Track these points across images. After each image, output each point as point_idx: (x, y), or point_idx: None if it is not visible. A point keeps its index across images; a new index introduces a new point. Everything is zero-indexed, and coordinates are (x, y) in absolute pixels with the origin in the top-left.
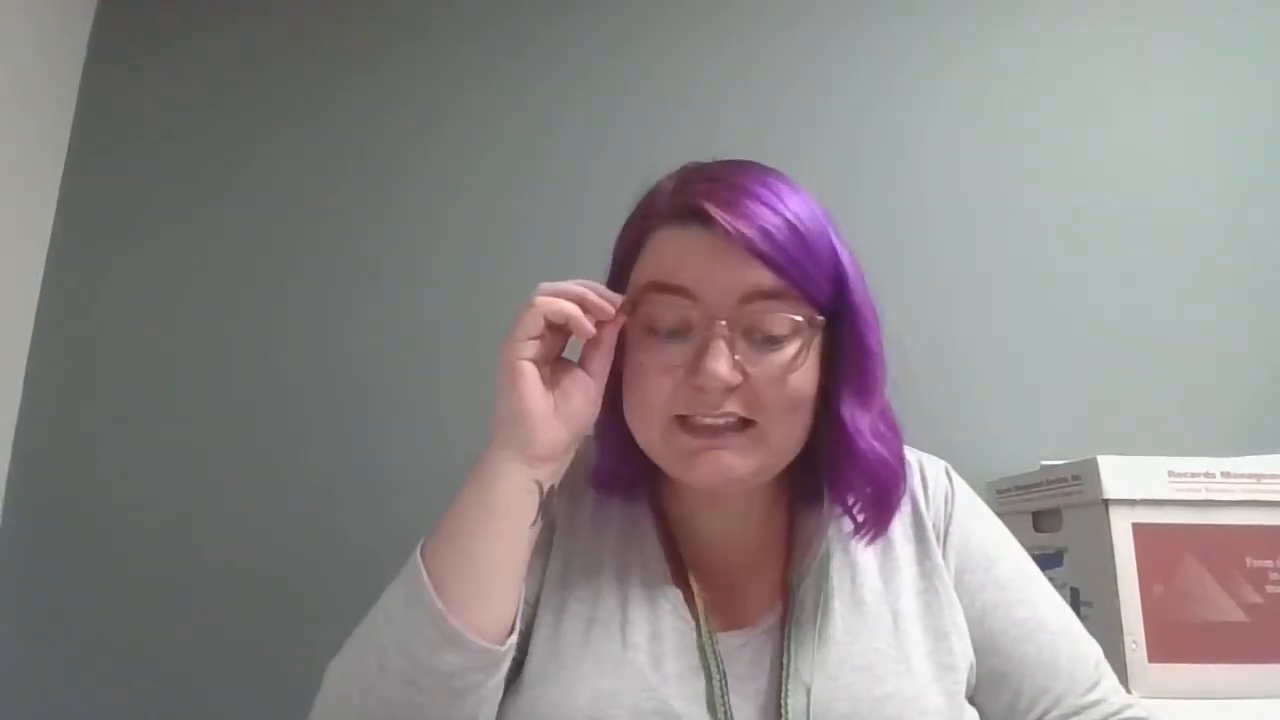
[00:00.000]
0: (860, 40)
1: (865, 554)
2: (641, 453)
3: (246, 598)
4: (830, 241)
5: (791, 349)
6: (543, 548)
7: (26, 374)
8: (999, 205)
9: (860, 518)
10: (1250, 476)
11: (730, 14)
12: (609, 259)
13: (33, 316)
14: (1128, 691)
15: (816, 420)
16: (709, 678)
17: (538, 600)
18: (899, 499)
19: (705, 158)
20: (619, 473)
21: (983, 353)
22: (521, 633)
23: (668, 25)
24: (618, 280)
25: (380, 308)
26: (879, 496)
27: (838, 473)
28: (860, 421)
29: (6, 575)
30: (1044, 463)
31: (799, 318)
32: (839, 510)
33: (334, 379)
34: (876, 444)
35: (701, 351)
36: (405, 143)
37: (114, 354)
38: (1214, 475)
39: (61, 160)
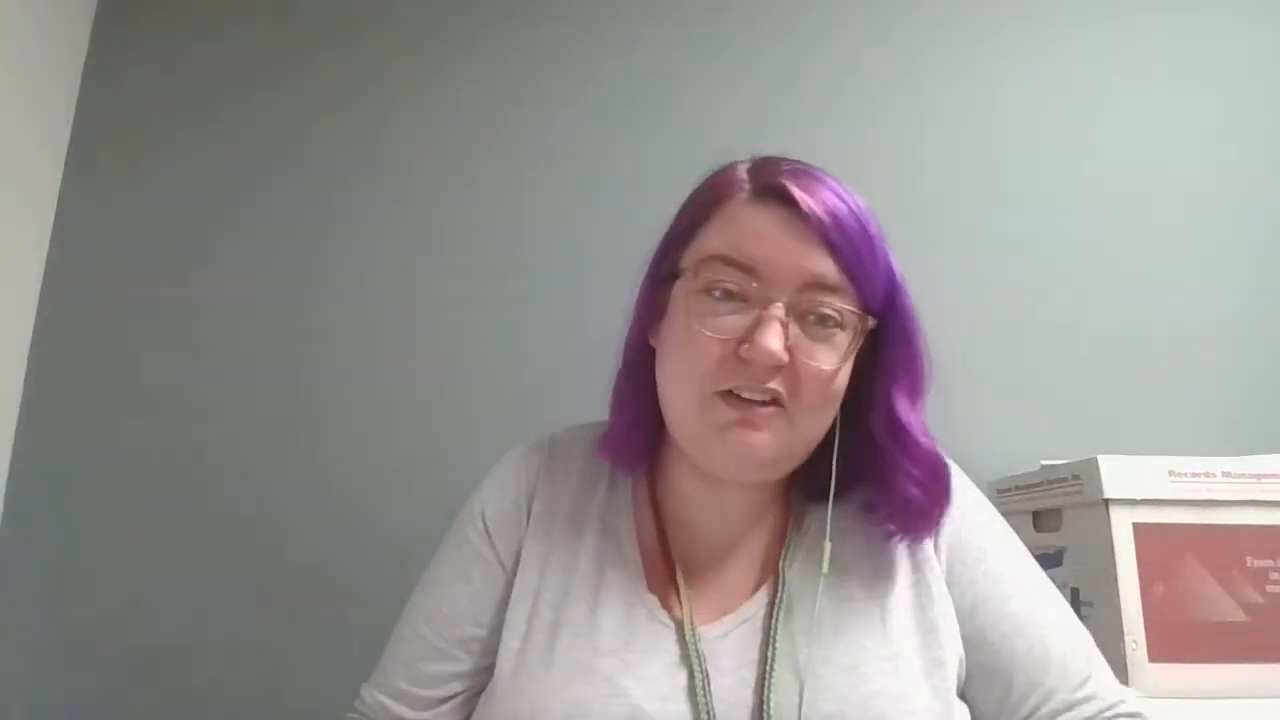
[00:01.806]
0: (858, 39)
1: (855, 547)
2: (652, 428)
3: (248, 597)
4: (886, 247)
5: (839, 343)
6: (494, 567)
7: (26, 374)
8: (999, 205)
9: (902, 517)
10: (1251, 476)
11: (727, 17)
12: (604, 257)
13: (33, 316)
14: None
15: (856, 419)
16: (691, 674)
17: (503, 614)
18: (950, 499)
19: (704, 157)
20: (628, 442)
21: (983, 353)
22: (477, 652)
23: (669, 25)
24: (679, 245)
25: (378, 308)
26: (932, 490)
27: (892, 468)
28: (915, 419)
29: (7, 575)
30: (1044, 463)
31: (854, 312)
32: (877, 513)
33: (336, 378)
34: (928, 441)
35: (756, 326)
36: (408, 139)
37: (114, 354)
38: (1214, 475)
39: (62, 159)
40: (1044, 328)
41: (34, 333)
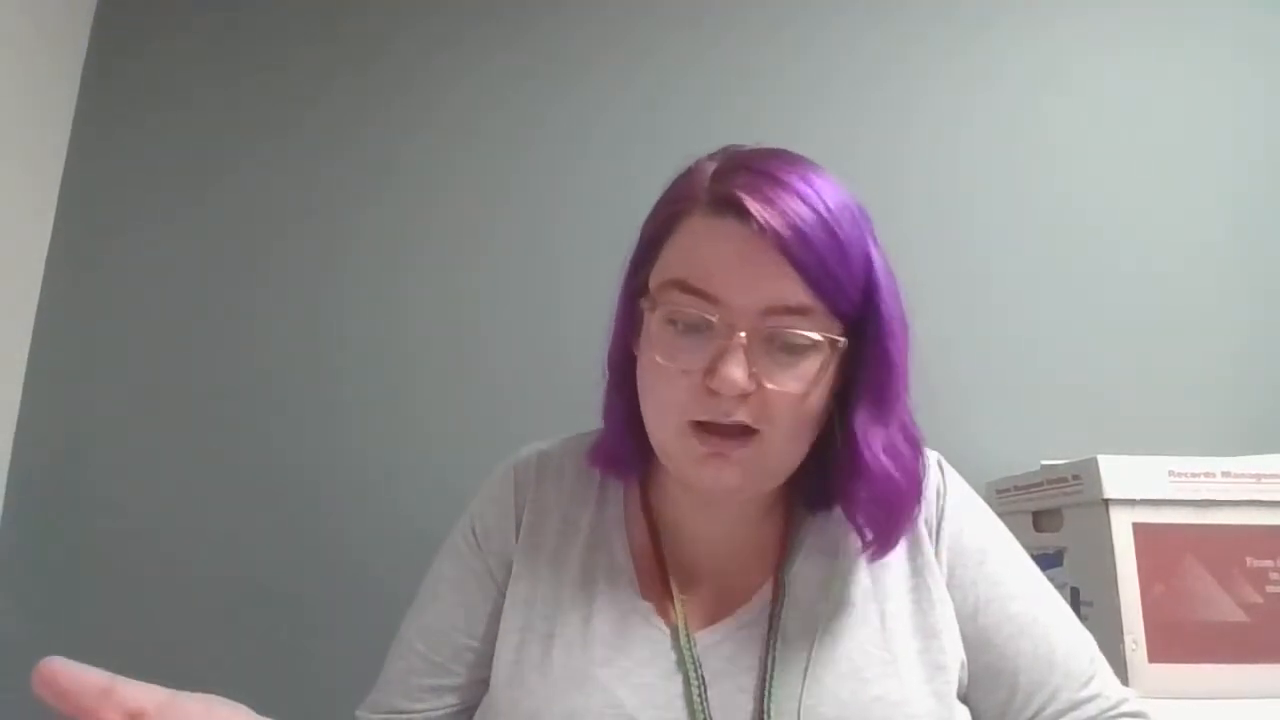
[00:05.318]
0: (846, 38)
1: (855, 551)
2: (637, 437)
3: (246, 597)
4: (865, 247)
5: (809, 365)
6: (486, 581)
7: (26, 374)
8: (999, 205)
9: (868, 535)
10: (1250, 476)
11: (719, 15)
12: (599, 257)
13: (33, 317)
14: None
15: (830, 430)
16: (687, 681)
17: (497, 627)
18: (908, 519)
19: (693, 156)
20: (615, 451)
21: (982, 353)
22: (470, 665)
23: (658, 22)
24: (645, 260)
25: (376, 307)
26: (885, 514)
27: (843, 488)
28: (873, 436)
29: (7, 576)
30: (1044, 463)
31: (820, 337)
32: (849, 525)
33: (335, 379)
34: (886, 460)
35: (719, 356)
36: (396, 138)
37: (114, 354)
38: (1214, 475)
39: (62, 160)
40: (1043, 327)
41: (34, 333)
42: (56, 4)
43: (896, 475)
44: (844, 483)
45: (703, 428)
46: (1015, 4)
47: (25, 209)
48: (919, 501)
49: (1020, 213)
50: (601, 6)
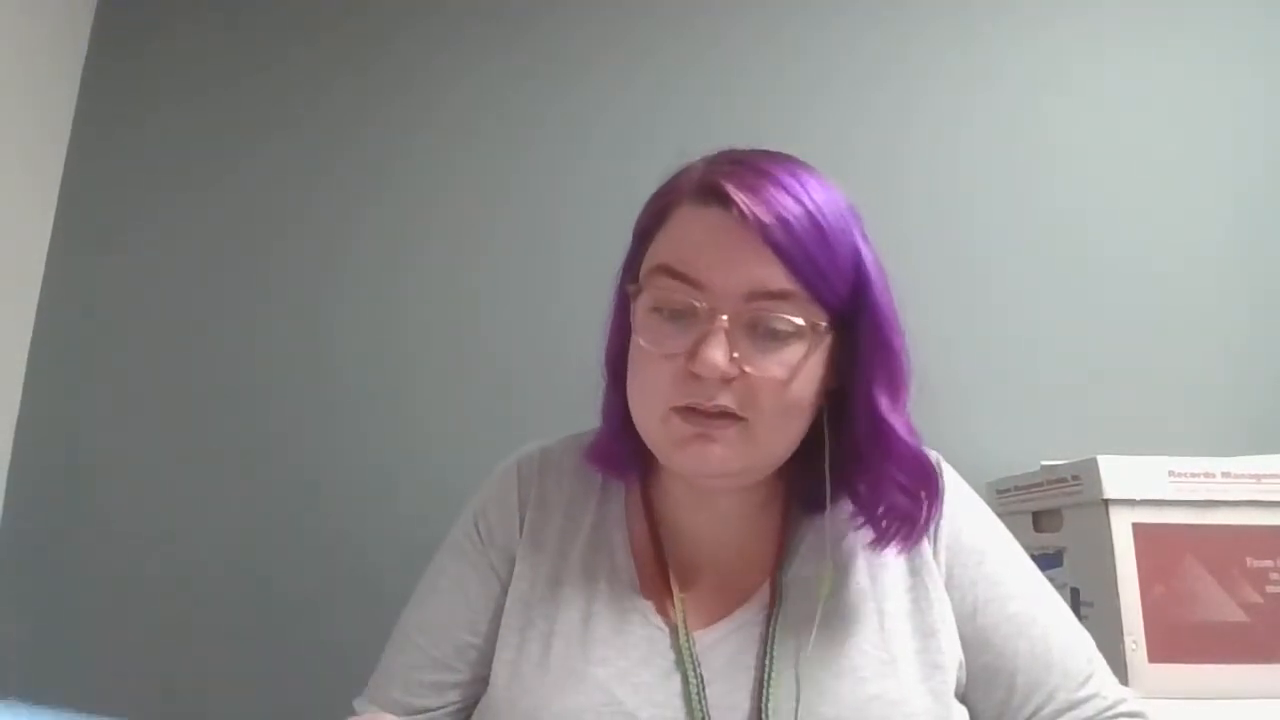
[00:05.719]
0: (845, 37)
1: (853, 551)
2: (634, 436)
3: (246, 597)
4: (853, 240)
5: (793, 351)
6: (489, 577)
7: (26, 374)
8: (999, 205)
9: (885, 523)
10: (1251, 476)
11: (719, 15)
12: (599, 257)
13: (33, 316)
14: None
15: (841, 421)
16: (685, 680)
17: (498, 624)
18: (940, 499)
19: (693, 156)
20: (610, 450)
21: (982, 353)
22: (473, 662)
23: (658, 22)
24: (637, 255)
25: (376, 307)
26: (920, 494)
27: (875, 473)
28: (895, 420)
29: (6, 575)
30: (1044, 463)
31: (803, 321)
32: (861, 519)
33: (335, 378)
34: (913, 440)
35: (701, 340)
36: (396, 139)
37: (114, 354)
38: (1214, 475)
39: (61, 160)
40: (1043, 327)
41: (34, 333)
42: (56, 4)
43: (926, 454)
44: (871, 468)
45: (685, 412)
46: (1015, 4)
47: (25, 209)
48: (941, 480)
49: (1020, 213)
50: (601, 6)
